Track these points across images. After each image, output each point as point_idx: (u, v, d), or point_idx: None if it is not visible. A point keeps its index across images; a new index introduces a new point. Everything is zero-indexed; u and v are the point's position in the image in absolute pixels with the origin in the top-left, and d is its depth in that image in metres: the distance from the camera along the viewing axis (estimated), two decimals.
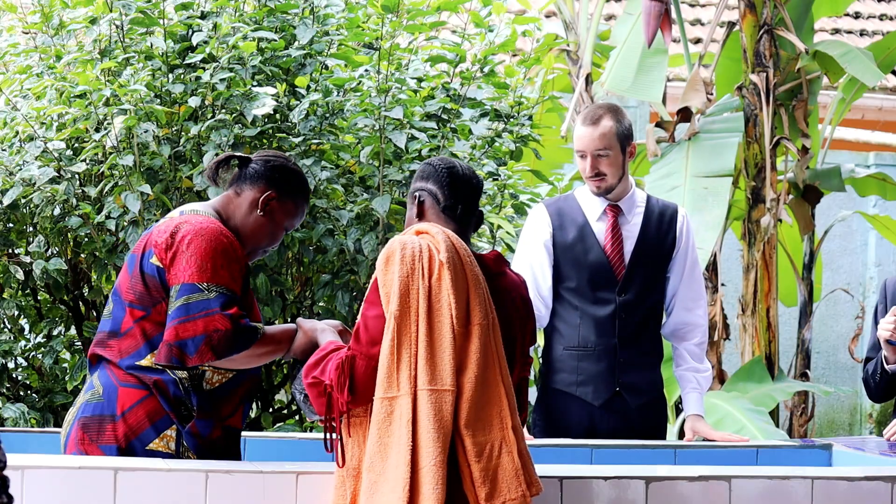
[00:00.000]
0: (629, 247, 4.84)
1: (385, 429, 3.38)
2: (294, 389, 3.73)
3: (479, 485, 3.34)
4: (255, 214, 3.88)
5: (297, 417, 5.74)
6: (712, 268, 7.89)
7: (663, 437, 4.94)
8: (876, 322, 4.89)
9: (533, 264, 4.82)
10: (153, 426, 3.74)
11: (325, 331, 3.79)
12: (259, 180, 3.89)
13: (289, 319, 5.68)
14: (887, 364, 4.75)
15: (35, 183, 5.29)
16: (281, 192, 3.90)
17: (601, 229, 4.83)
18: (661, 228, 4.88)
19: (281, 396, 5.84)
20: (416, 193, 3.64)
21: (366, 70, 5.42)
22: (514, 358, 3.57)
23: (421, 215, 3.63)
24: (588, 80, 8.45)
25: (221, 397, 3.81)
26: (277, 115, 5.42)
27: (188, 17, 5.44)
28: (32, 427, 5.28)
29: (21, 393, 5.61)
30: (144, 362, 3.75)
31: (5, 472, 2.71)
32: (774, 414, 7.98)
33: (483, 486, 3.34)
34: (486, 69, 5.72)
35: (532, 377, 5.34)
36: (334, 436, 3.48)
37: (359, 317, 3.53)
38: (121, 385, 3.76)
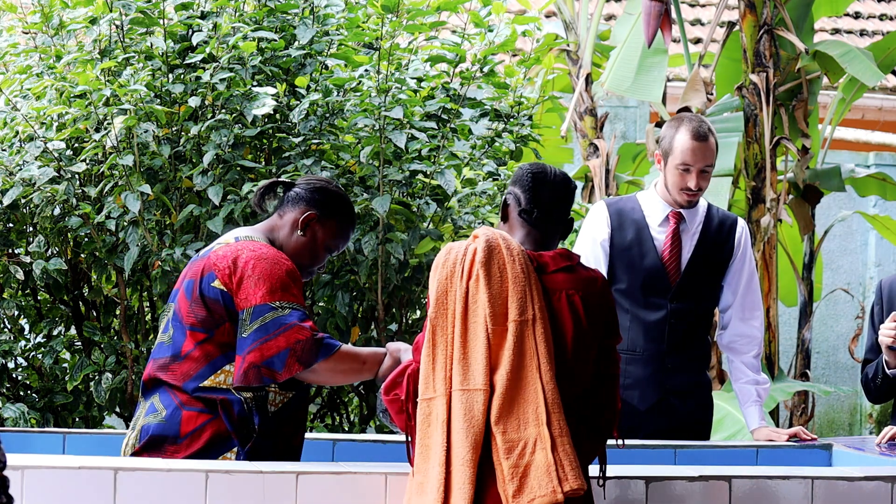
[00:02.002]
0: (686, 255, 4.84)
1: (425, 430, 3.44)
2: (378, 409, 3.78)
3: (507, 481, 3.35)
4: (296, 234, 3.97)
5: None
6: None
7: (708, 436, 4.96)
8: (873, 323, 4.88)
9: (587, 261, 4.82)
10: (214, 450, 3.80)
11: (409, 350, 3.85)
12: (300, 202, 3.99)
13: None
14: (888, 369, 4.73)
15: (35, 183, 5.29)
16: (322, 212, 3.99)
17: (661, 235, 4.83)
18: (719, 238, 4.88)
19: None
20: (505, 196, 3.69)
21: (366, 70, 5.41)
22: (565, 355, 3.50)
23: (505, 218, 3.67)
24: (588, 80, 8.46)
25: (283, 418, 3.87)
26: (277, 115, 5.42)
27: (188, 17, 5.44)
28: (32, 427, 5.28)
29: (21, 393, 5.61)
30: (208, 383, 3.82)
31: (5, 473, 2.71)
32: (774, 414, 7.98)
33: (512, 483, 3.34)
34: (485, 69, 5.71)
35: None
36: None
37: None
38: (185, 408, 3.82)
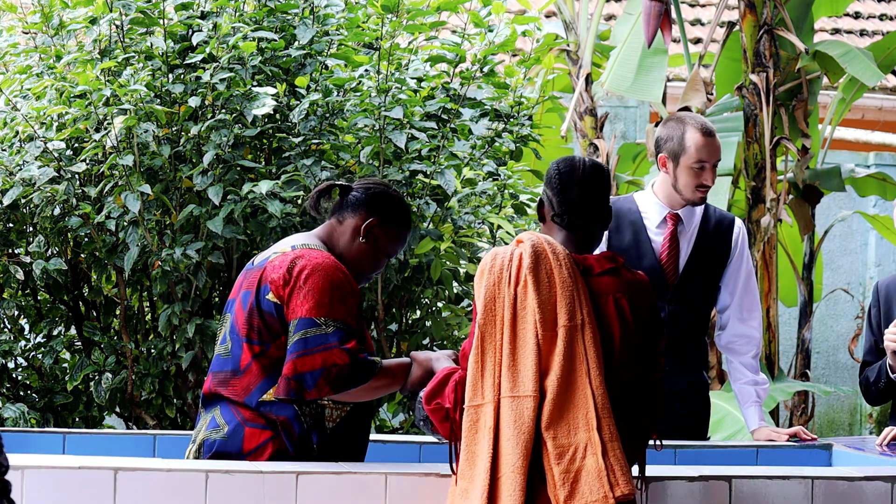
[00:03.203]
0: (684, 256, 4.83)
1: (472, 437, 3.42)
2: (416, 418, 3.75)
3: (558, 486, 3.34)
4: (357, 241, 3.92)
5: None
6: None
7: (706, 437, 4.95)
8: (871, 325, 4.87)
9: None
10: None
11: (440, 359, 3.83)
12: (360, 208, 3.94)
13: None
14: (892, 372, 4.72)
15: (35, 183, 5.29)
16: (382, 218, 3.94)
17: (659, 237, 4.82)
18: (716, 239, 4.87)
19: None
20: (540, 196, 3.68)
21: (366, 70, 5.41)
22: (612, 359, 3.49)
23: (542, 219, 3.66)
24: (588, 80, 8.46)
25: (341, 433, 3.83)
26: (277, 115, 5.42)
27: (188, 17, 5.44)
28: (32, 427, 5.28)
29: (21, 393, 5.61)
30: (268, 397, 3.78)
31: (6, 477, 2.71)
32: (774, 414, 7.98)
33: (563, 488, 3.34)
34: (485, 69, 5.71)
35: None
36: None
37: None
38: (247, 425, 3.78)
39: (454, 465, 3.51)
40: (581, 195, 3.61)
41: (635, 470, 3.59)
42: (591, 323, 3.45)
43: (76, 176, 5.40)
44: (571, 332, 3.42)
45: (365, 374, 3.74)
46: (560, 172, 3.62)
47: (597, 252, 3.64)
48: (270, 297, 3.78)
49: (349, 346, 3.71)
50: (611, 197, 5.06)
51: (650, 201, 4.87)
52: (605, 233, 4.83)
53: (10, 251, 5.53)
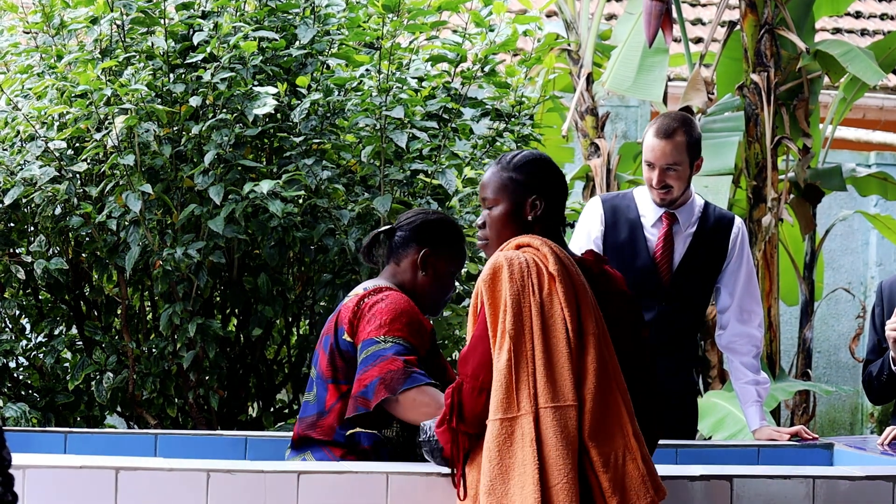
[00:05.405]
0: (679, 256, 4.80)
1: (506, 450, 3.33)
2: (420, 445, 3.72)
3: (609, 495, 3.32)
4: (420, 274, 4.05)
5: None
6: None
7: (694, 436, 4.94)
8: (874, 325, 4.87)
9: None
10: None
11: None
12: (410, 243, 4.06)
13: (289, 319, 5.68)
14: (895, 365, 4.72)
15: (36, 182, 5.29)
16: (433, 245, 4.05)
17: (654, 235, 4.80)
18: (714, 239, 4.84)
19: (282, 396, 5.84)
20: (522, 198, 3.62)
21: (367, 70, 5.42)
22: (625, 356, 3.49)
23: (522, 220, 3.59)
24: (589, 80, 8.46)
25: None
26: (278, 115, 5.42)
27: (189, 17, 5.44)
28: (34, 426, 5.28)
29: (22, 392, 5.61)
30: (352, 430, 3.89)
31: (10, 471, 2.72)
32: (775, 413, 7.98)
33: (613, 496, 3.31)
34: (486, 69, 5.72)
35: None
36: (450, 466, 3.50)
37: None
38: (339, 461, 3.86)
39: (460, 486, 3.43)
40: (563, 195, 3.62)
41: None
42: (605, 327, 3.45)
43: (77, 175, 5.40)
44: (598, 338, 3.40)
45: (415, 379, 3.78)
46: (556, 172, 3.60)
47: (587, 253, 3.64)
48: (346, 336, 3.92)
49: (407, 357, 3.80)
50: (610, 193, 5.06)
51: (648, 199, 4.85)
52: (602, 229, 4.83)
53: (12, 251, 5.54)
